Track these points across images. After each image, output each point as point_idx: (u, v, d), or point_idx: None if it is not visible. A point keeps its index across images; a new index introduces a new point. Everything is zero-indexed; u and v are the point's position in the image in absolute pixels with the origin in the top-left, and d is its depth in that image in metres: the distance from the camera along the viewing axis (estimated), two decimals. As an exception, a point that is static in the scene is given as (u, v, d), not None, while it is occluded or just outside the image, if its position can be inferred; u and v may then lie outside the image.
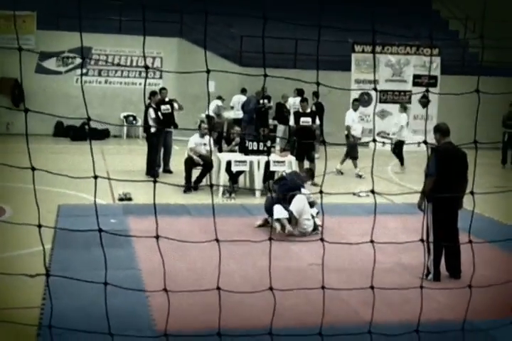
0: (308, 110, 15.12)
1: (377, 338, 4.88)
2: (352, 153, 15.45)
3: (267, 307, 4.18)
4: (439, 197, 7.36)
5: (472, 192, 3.86)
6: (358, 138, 15.75)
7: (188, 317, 6.21)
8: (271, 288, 3.46)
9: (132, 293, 6.78)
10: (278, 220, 9.52)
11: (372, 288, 3.91)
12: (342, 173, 15.60)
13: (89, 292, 6.50)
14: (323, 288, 3.48)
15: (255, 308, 6.33)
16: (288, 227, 9.48)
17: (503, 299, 6.29)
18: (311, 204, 9.82)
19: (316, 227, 9.65)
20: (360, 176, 15.19)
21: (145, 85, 4.41)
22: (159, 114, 14.59)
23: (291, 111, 18.57)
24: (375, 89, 6.03)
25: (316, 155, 15.85)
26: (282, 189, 9.99)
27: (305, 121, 14.65)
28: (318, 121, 15.09)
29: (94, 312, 5.85)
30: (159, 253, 4.00)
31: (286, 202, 9.68)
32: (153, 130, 14.46)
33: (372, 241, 3.92)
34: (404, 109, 16.90)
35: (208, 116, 20.18)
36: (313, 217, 9.70)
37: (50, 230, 8.87)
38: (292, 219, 9.58)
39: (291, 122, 15.66)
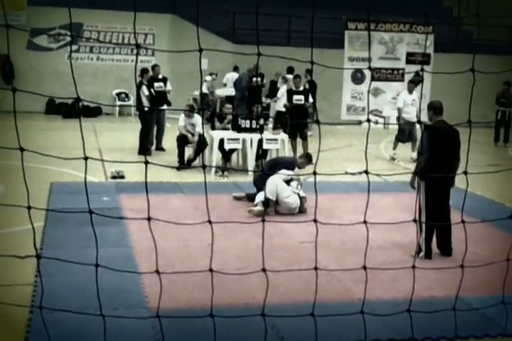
0: (302, 88, 15.00)
1: (370, 317, 4.91)
2: (399, 136, 14.71)
3: (259, 284, 4.19)
4: (432, 176, 7.34)
5: (465, 172, 3.85)
6: (411, 122, 14.41)
7: (180, 295, 6.23)
8: (263, 270, 3.46)
9: (125, 272, 6.81)
10: (255, 205, 9.59)
11: (364, 268, 3.92)
12: (394, 159, 14.77)
13: (81, 269, 6.48)
14: (315, 269, 3.48)
15: (248, 286, 6.35)
16: (266, 210, 9.53)
17: (495, 276, 6.33)
18: (290, 181, 9.87)
19: (301, 200, 9.67)
20: (393, 159, 14.73)
21: (136, 63, 4.37)
22: (152, 91, 14.52)
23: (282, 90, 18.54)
24: (369, 67, 6.00)
25: (309, 133, 15.81)
26: (267, 166, 10.15)
27: (298, 99, 14.54)
28: (311, 99, 14.93)
29: (87, 289, 5.86)
30: (151, 234, 3.99)
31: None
32: (146, 108, 14.40)
33: (365, 222, 3.91)
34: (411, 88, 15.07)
35: (201, 94, 20.12)
36: (296, 193, 9.71)
37: (43, 207, 8.87)
38: (269, 202, 9.61)
39: (284, 100, 15.49)
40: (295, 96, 14.54)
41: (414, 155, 14.50)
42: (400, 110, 14.68)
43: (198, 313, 4.58)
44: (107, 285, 5.95)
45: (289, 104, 14.64)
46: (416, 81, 16.00)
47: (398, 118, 14.83)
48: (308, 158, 10.37)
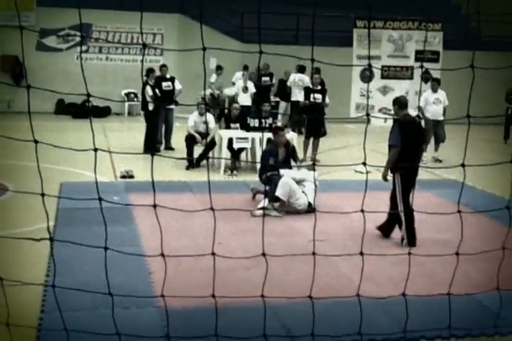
0: (319, 87, 14.80)
1: (369, 308, 4.94)
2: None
3: (268, 283, 4.22)
4: (406, 167, 7.76)
5: (463, 165, 3.88)
6: (436, 120, 14.19)
7: (188, 293, 6.25)
8: (263, 254, 3.50)
9: (135, 270, 6.86)
10: (263, 208, 9.64)
11: (361, 253, 3.98)
12: (440, 161, 14.45)
13: (92, 268, 6.56)
14: (313, 253, 3.53)
15: (258, 285, 6.37)
16: (274, 213, 9.54)
17: (492, 270, 6.34)
18: (301, 181, 9.86)
19: (310, 204, 9.61)
20: (439, 161, 14.44)
21: (143, 63, 4.41)
22: (157, 91, 14.57)
23: (292, 88, 18.49)
24: (369, 65, 6.03)
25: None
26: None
27: (316, 97, 14.39)
28: (328, 100, 14.68)
29: (98, 288, 5.89)
30: (159, 223, 4.02)
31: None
32: (151, 108, 14.47)
33: (362, 211, 4.01)
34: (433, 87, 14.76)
35: (212, 94, 20.13)
36: (305, 193, 9.70)
37: (53, 208, 8.92)
38: (281, 202, 9.66)
39: (300, 97, 15.32)
40: (313, 95, 14.41)
41: (437, 155, 14.46)
42: (421, 109, 14.26)
43: (206, 310, 4.60)
44: (118, 285, 6.00)
45: (308, 101, 14.49)
46: (425, 78, 15.88)
47: (418, 116, 14.40)
48: (274, 129, 10.59)
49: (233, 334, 5.25)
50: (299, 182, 9.79)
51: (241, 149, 13.04)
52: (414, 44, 21.52)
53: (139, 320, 5.70)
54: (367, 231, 7.47)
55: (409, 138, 7.91)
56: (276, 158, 10.29)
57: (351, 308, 4.78)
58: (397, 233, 8.34)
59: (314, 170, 10.08)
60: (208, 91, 20.18)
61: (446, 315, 4.40)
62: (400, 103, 8.22)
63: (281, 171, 9.86)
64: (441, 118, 14.24)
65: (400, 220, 8.09)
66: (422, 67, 18.73)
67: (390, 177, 8.10)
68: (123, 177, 11.76)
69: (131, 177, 11.75)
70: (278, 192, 9.56)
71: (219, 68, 20.20)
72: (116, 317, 4.26)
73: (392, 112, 17.79)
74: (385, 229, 8.37)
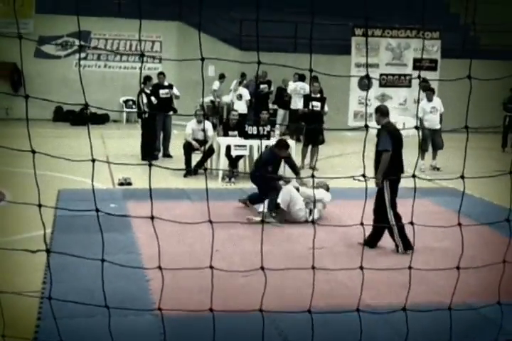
0: (319, 95, 14.80)
1: (369, 318, 4.91)
2: (422, 146, 13.94)
3: (267, 291, 4.20)
4: (394, 174, 7.92)
5: (462, 177, 3.88)
6: (433, 129, 14.13)
7: (186, 301, 6.24)
8: (262, 268, 3.48)
9: (133, 277, 6.84)
10: (260, 213, 9.65)
11: (361, 268, 3.95)
12: (438, 169, 14.43)
13: (89, 276, 6.53)
14: (313, 268, 3.51)
15: (255, 292, 6.35)
16: (272, 221, 9.48)
17: (494, 280, 6.34)
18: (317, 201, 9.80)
19: (312, 220, 9.42)
20: (438, 169, 14.41)
21: (141, 72, 4.41)
22: (152, 99, 14.60)
23: (292, 96, 18.51)
24: (367, 76, 6.05)
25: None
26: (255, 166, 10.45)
27: (315, 105, 14.41)
28: (326, 108, 14.67)
29: (95, 295, 5.87)
30: (157, 235, 4.00)
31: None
32: (146, 115, 14.52)
33: (362, 224, 3.99)
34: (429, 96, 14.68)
35: (212, 102, 20.14)
36: (311, 210, 9.58)
37: (50, 215, 8.90)
38: (280, 210, 9.63)
39: (299, 106, 15.33)
40: (312, 103, 14.44)
41: (435, 163, 14.46)
42: (421, 120, 14.13)
43: (204, 318, 4.58)
44: (115, 292, 5.98)
45: (307, 109, 14.49)
46: (424, 87, 15.89)
47: (417, 127, 14.30)
48: (281, 144, 10.39)
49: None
50: (315, 201, 9.63)
51: (239, 157, 13.03)
52: (412, 52, 21.58)
53: (137, 328, 5.68)
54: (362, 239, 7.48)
55: (395, 145, 8.07)
56: (276, 168, 10.37)
57: (350, 318, 4.75)
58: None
59: (313, 179, 10.00)
60: (209, 99, 20.21)
61: (446, 323, 4.38)
62: (381, 111, 8.36)
63: (301, 188, 9.83)
64: (439, 126, 14.27)
65: (390, 229, 8.10)
66: (419, 76, 18.69)
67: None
68: (121, 184, 11.75)
69: (129, 184, 11.74)
70: (279, 199, 9.54)
71: (222, 76, 20.23)
72: (114, 325, 4.23)
73: (393, 121, 17.86)
74: (371, 241, 8.29)
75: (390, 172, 7.94)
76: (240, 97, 18.48)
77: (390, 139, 8.01)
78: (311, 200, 9.43)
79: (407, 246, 8.00)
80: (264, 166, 10.21)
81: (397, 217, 8.07)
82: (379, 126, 8.34)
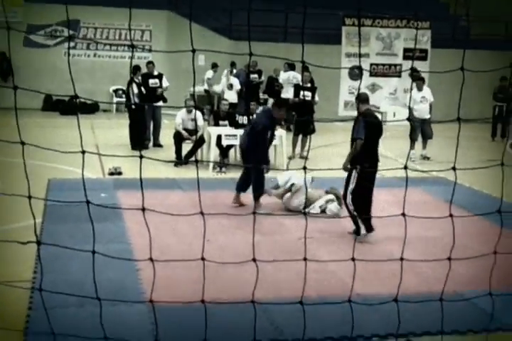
0: (309, 84, 14.72)
1: (360, 308, 4.92)
2: (411, 135, 14.25)
3: (259, 281, 4.20)
4: (366, 161, 8.00)
5: (454, 168, 3.88)
6: (422, 119, 14.11)
7: (177, 291, 6.24)
8: (254, 260, 3.48)
9: (123, 267, 6.83)
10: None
11: (353, 259, 3.96)
12: (428, 158, 14.43)
13: (79, 266, 6.53)
14: (305, 259, 3.51)
15: (247, 282, 6.36)
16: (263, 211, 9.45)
17: (488, 269, 6.37)
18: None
19: (304, 211, 9.26)
20: (428, 158, 14.40)
21: (131, 62, 4.38)
22: (142, 89, 14.55)
23: (284, 85, 18.43)
24: (359, 67, 6.05)
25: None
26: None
27: (306, 95, 14.37)
28: (317, 98, 14.66)
29: (85, 285, 5.87)
30: (149, 227, 3.99)
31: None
32: (135, 106, 14.49)
33: (351, 216, 3.97)
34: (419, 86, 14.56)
35: (206, 91, 20.06)
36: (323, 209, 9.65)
37: (41, 204, 8.88)
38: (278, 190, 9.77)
39: (290, 95, 15.29)
40: (303, 92, 14.39)
41: (425, 152, 14.49)
42: (410, 109, 14.00)
43: (196, 308, 4.58)
44: (106, 282, 5.98)
45: (297, 99, 14.46)
46: (414, 77, 15.90)
47: (409, 119, 14.40)
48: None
49: (223, 335, 5.25)
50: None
51: (230, 146, 13.02)
52: (402, 42, 21.60)
53: (128, 318, 5.68)
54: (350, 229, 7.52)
55: (371, 133, 8.10)
56: (272, 133, 9.96)
57: (342, 308, 4.77)
58: (396, 233, 8.35)
59: (305, 172, 9.96)
60: (203, 88, 20.11)
61: (437, 313, 4.40)
62: (361, 98, 8.41)
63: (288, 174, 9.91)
64: (428, 116, 14.32)
65: (350, 213, 8.19)
66: (412, 68, 18.71)
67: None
68: (111, 174, 11.73)
69: (120, 173, 11.72)
70: (278, 179, 9.68)
71: (215, 65, 20.13)
72: (105, 315, 4.23)
73: (381, 110, 17.85)
74: (358, 229, 8.35)
75: (363, 160, 8.01)
76: (230, 87, 18.43)
77: (364, 127, 8.04)
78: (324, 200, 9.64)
79: (370, 228, 8.17)
80: (264, 132, 9.59)
81: (368, 204, 8.17)
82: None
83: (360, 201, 8.12)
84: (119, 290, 6.24)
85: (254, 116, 10.00)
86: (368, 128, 8.07)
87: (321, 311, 5.75)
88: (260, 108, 10.25)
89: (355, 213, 8.15)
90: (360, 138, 8.04)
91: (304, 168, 3.74)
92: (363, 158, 8.04)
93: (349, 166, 8.12)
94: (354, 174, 8.11)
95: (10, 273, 6.60)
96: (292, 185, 9.63)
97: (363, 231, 8.19)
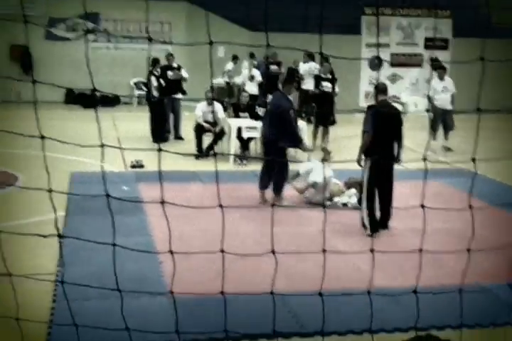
0: (329, 75, 14.67)
1: (380, 300, 4.91)
2: (432, 126, 13.77)
3: (278, 272, 4.22)
4: (376, 153, 7.90)
5: (473, 159, 3.86)
6: (444, 109, 14.03)
7: (198, 283, 6.28)
8: (273, 252, 3.49)
9: (145, 259, 6.88)
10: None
11: (371, 251, 3.96)
12: (450, 149, 14.26)
13: (102, 259, 6.57)
14: (324, 251, 3.51)
15: (266, 274, 6.39)
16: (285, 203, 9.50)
17: (506, 261, 6.35)
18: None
19: (323, 204, 9.41)
20: (450, 149, 14.20)
21: (149, 57, 4.40)
22: (162, 81, 14.58)
23: (305, 77, 18.39)
24: (378, 57, 6.02)
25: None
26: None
27: (326, 86, 14.36)
28: (337, 89, 14.62)
29: (107, 278, 5.92)
30: (169, 220, 4.02)
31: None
32: (155, 98, 14.52)
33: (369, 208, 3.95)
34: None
35: (227, 83, 20.03)
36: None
37: (63, 198, 8.95)
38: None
39: (311, 87, 15.21)
40: (323, 83, 14.36)
41: (447, 144, 14.36)
42: (429, 98, 14.14)
43: (216, 300, 4.60)
44: (127, 274, 6.03)
45: (318, 90, 14.42)
46: (435, 66, 15.75)
47: (430, 107, 14.24)
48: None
49: (243, 326, 5.27)
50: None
51: (250, 138, 13.02)
52: (423, 31, 21.43)
53: (149, 310, 5.73)
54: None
55: (382, 125, 7.93)
56: (295, 114, 9.79)
57: (361, 300, 4.77)
58: (418, 225, 8.32)
59: (324, 163, 9.93)
60: (224, 80, 20.07)
61: (457, 305, 4.39)
62: (378, 88, 8.34)
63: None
64: (450, 106, 14.15)
65: (362, 208, 8.15)
66: (432, 58, 18.55)
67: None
68: (133, 166, 11.79)
69: (141, 166, 11.78)
70: (300, 168, 9.70)
71: (235, 58, 20.07)
72: (126, 307, 4.26)
73: (402, 100, 17.68)
74: (378, 222, 8.31)
75: (375, 152, 7.92)
76: (252, 78, 18.40)
77: (372, 120, 7.94)
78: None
79: (374, 229, 8.02)
80: (286, 113, 9.39)
81: (372, 198, 8.07)
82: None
83: (371, 196, 8.04)
84: (141, 282, 6.31)
85: (269, 103, 9.76)
86: (378, 120, 7.94)
87: (342, 303, 5.77)
88: (270, 96, 10.06)
89: (364, 209, 8.09)
90: (367, 131, 7.97)
91: (324, 160, 3.73)
92: (375, 151, 7.94)
93: (363, 159, 8.04)
94: (366, 167, 8.01)
95: (34, 266, 6.67)
96: (315, 183, 9.56)
97: (368, 231, 8.09)
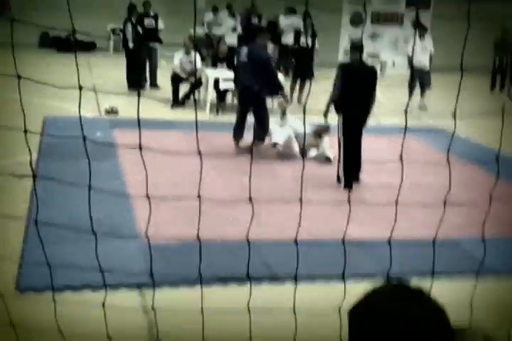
0: (309, 32, 14.50)
1: (354, 250, 4.96)
2: (410, 84, 13.95)
3: (253, 222, 4.24)
4: (347, 109, 8.07)
5: (454, 116, 3.88)
6: (422, 68, 14.00)
7: (172, 229, 6.30)
8: (250, 199, 3.48)
9: (118, 205, 6.88)
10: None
11: (349, 201, 3.98)
12: (425, 108, 14.25)
13: (74, 203, 6.56)
14: (300, 200, 3.52)
15: (241, 223, 6.43)
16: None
17: (478, 218, 6.44)
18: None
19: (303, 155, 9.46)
20: (425, 108, 14.22)
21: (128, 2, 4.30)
22: (139, 29, 14.37)
23: (285, 31, 18.19)
24: (359, 14, 5.98)
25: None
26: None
27: (306, 41, 14.25)
28: (317, 45, 14.54)
29: (80, 221, 5.91)
30: (144, 166, 3.99)
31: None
32: (131, 46, 14.33)
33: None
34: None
35: (207, 35, 19.74)
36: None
37: (36, 141, 8.86)
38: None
39: (290, 41, 15.11)
40: (303, 39, 14.26)
41: (423, 102, 14.39)
42: (409, 58, 14.14)
43: (190, 245, 4.63)
44: (100, 220, 6.01)
45: (296, 45, 14.33)
46: (416, 24, 15.67)
47: (410, 66, 14.24)
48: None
49: (216, 271, 5.32)
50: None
51: (227, 90, 12.92)
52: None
53: (123, 254, 5.75)
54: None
55: (352, 81, 8.06)
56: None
57: (335, 250, 4.83)
58: (388, 179, 8.40)
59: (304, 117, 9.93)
60: (202, 31, 19.78)
61: (429, 257, 4.47)
62: (352, 46, 8.51)
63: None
64: (427, 65, 14.15)
65: (339, 160, 8.33)
66: (417, 16, 18.45)
67: None
68: (107, 112, 11.67)
69: (116, 113, 11.67)
70: (277, 139, 9.67)
71: (215, 9, 19.75)
72: (100, 250, 4.26)
73: (381, 59, 17.58)
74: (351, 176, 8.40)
75: (344, 108, 8.12)
76: (234, 30, 18.18)
77: (340, 76, 8.12)
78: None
79: (347, 183, 8.15)
80: (270, 62, 9.71)
81: (348, 153, 8.19)
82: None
83: (346, 151, 8.19)
84: (114, 226, 6.30)
85: (244, 53, 9.50)
86: (348, 77, 8.08)
87: (315, 253, 5.85)
88: (244, 47, 9.73)
89: (341, 161, 8.26)
90: (334, 88, 8.20)
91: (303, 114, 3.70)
92: (345, 106, 8.10)
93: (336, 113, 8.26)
94: (339, 122, 8.20)
95: (5, 207, 6.64)
96: (275, 144, 9.63)
97: (342, 183, 8.24)
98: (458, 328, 1.59)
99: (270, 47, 19.51)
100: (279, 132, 9.66)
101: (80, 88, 3.75)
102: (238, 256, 4.73)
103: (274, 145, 9.65)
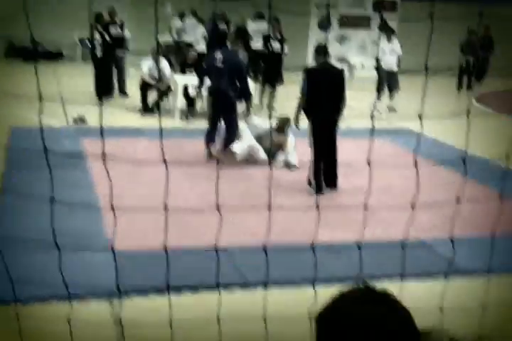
0: (279, 36, 14.53)
1: (324, 254, 4.94)
2: (379, 86, 14.13)
3: (223, 229, 4.21)
4: (315, 115, 7.98)
5: (420, 117, 3.89)
6: (390, 70, 14.18)
7: (141, 239, 6.24)
8: (217, 206, 3.46)
9: (87, 216, 6.80)
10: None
11: (317, 206, 3.97)
12: (395, 110, 14.39)
13: (41, 215, 6.46)
14: (269, 205, 3.50)
15: (211, 230, 6.38)
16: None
17: (446, 218, 6.48)
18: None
19: (269, 160, 9.49)
20: (394, 110, 14.32)
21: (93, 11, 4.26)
22: (106, 37, 14.30)
23: (254, 36, 18.18)
24: (327, 18, 5.98)
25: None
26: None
27: (275, 46, 14.28)
28: (286, 49, 14.54)
29: (47, 233, 5.83)
30: (113, 176, 3.94)
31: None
32: (99, 55, 14.26)
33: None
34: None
35: (176, 42, 19.64)
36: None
37: (2, 153, 8.75)
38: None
39: (259, 46, 15.06)
40: (272, 43, 14.27)
41: (391, 104, 14.49)
42: (377, 60, 14.27)
43: (159, 255, 4.57)
44: (67, 231, 5.94)
45: (265, 50, 14.31)
46: (383, 27, 15.80)
47: (377, 69, 14.36)
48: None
49: (186, 280, 5.28)
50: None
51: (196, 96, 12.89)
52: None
53: (91, 266, 5.67)
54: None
55: (319, 87, 7.95)
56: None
57: (306, 254, 4.82)
58: (359, 182, 8.41)
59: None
60: (172, 38, 19.71)
61: (399, 259, 4.47)
62: (315, 50, 8.36)
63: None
64: (395, 68, 14.28)
65: (310, 163, 8.23)
66: (382, 18, 18.62)
67: None
68: (75, 121, 11.56)
69: (84, 121, 11.56)
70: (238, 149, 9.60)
71: (183, 14, 19.68)
72: (67, 261, 4.20)
73: (349, 62, 17.66)
74: (325, 179, 8.36)
75: (313, 114, 8.02)
76: (202, 36, 18.15)
77: (306, 81, 8.00)
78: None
79: (319, 188, 8.10)
80: (245, 70, 9.84)
81: (319, 158, 8.11)
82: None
83: (317, 156, 8.11)
84: (82, 238, 6.23)
85: (218, 58, 9.41)
86: (314, 82, 7.97)
87: (285, 258, 5.83)
88: (218, 52, 9.63)
89: (311, 167, 8.18)
90: (302, 94, 8.07)
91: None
92: (314, 112, 8.02)
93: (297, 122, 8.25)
94: (308, 128, 8.12)
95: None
96: (235, 153, 9.61)
97: (313, 187, 8.17)
98: (423, 331, 1.58)
99: (241, 53, 19.54)
100: (243, 138, 9.61)
101: (41, 98, 3.69)
102: (209, 263, 4.69)
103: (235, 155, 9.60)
